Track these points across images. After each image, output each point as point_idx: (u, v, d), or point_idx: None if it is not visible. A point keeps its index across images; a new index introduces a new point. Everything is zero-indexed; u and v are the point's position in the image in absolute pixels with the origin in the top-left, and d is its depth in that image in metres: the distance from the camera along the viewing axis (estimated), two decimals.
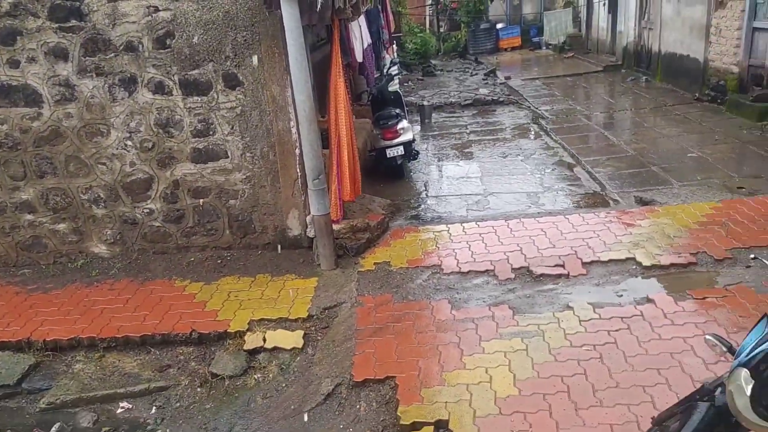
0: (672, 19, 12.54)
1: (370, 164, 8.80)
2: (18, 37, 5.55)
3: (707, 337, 2.75)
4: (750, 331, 2.61)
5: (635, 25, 14.59)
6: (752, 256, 2.98)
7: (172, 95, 5.67)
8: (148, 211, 6.07)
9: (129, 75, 5.64)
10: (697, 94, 11.33)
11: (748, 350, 2.52)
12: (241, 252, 6.10)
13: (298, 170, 5.77)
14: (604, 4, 16.53)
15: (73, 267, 6.17)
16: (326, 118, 6.25)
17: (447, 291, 5.12)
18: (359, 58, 7.70)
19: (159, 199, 6.02)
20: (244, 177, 5.89)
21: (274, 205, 5.97)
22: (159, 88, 5.66)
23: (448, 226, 6.49)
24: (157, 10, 5.43)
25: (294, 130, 5.63)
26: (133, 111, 5.75)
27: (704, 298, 4.55)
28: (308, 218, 5.86)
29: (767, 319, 2.56)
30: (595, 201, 7.12)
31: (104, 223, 6.12)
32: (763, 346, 2.46)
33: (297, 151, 5.70)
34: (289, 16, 4.90)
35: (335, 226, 5.84)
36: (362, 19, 7.94)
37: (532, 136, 10.37)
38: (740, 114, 9.68)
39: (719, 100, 10.56)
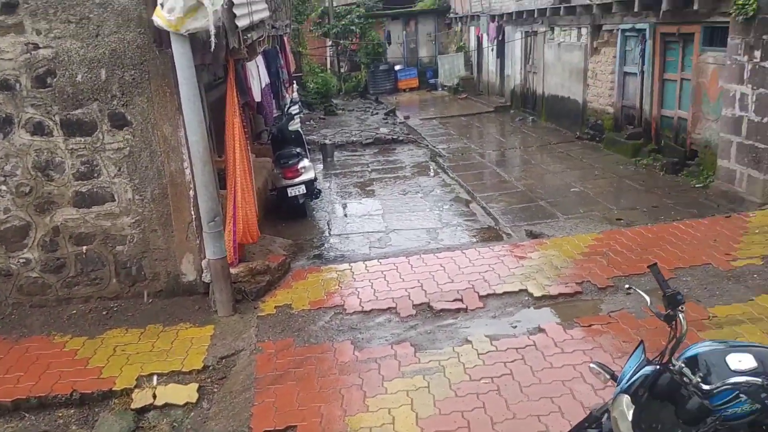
0: (553, 64, 13.59)
1: (271, 204, 8.68)
2: None
3: (591, 365, 2.89)
4: (629, 358, 2.78)
5: (521, 69, 15.66)
6: (627, 286, 3.19)
7: (52, 136, 5.31)
8: (24, 261, 5.58)
9: (4, 115, 5.24)
10: (578, 133, 12.27)
11: (627, 377, 2.67)
12: (129, 302, 5.73)
13: (192, 213, 5.55)
14: (493, 50, 17.63)
15: None
16: (223, 158, 6.11)
17: (350, 331, 5.07)
18: (257, 97, 7.64)
19: (36, 248, 5.55)
20: (133, 221, 5.58)
21: (167, 250, 5.68)
22: (38, 129, 5.29)
23: (351, 264, 6.48)
24: (37, 47, 5.11)
25: (188, 171, 5.44)
26: (8, 153, 5.33)
27: (590, 326, 4.82)
28: (204, 263, 5.62)
29: (643, 346, 2.74)
30: (490, 235, 7.42)
31: None
32: (641, 372, 2.63)
33: (191, 192, 5.49)
34: (181, 56, 4.79)
35: (233, 270, 5.65)
36: (260, 59, 7.92)
37: (430, 174, 10.71)
38: (616, 151, 10.57)
39: (597, 138, 11.48)
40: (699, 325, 4.67)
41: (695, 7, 8.14)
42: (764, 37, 6.92)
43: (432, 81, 21.93)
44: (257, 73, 7.70)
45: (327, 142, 12.90)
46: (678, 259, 5.88)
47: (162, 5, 4.57)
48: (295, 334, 5.06)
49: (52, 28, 5.11)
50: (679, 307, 2.61)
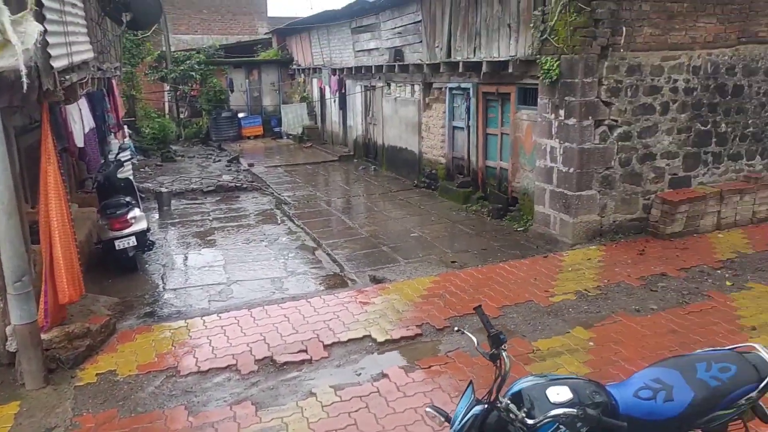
0: (391, 116, 14.34)
1: (96, 258, 7.90)
2: None
3: (427, 409, 2.95)
4: (460, 398, 2.87)
5: (362, 121, 16.30)
6: (456, 328, 3.33)
7: None
8: None
9: None
10: (415, 181, 12.95)
11: (459, 418, 2.75)
12: None
13: None
14: (335, 101, 18.19)
15: None
16: (36, 209, 5.44)
17: (184, 395, 4.68)
18: (79, 143, 7.04)
19: None
20: None
21: None
22: None
23: (187, 321, 6.08)
24: None
25: None
26: None
27: (430, 367, 4.97)
28: (8, 329, 4.89)
29: (472, 386, 2.85)
30: (335, 282, 7.43)
31: None
32: (471, 412, 2.73)
33: None
34: None
35: (45, 335, 4.99)
36: (83, 102, 7.34)
37: (276, 222, 10.55)
38: (450, 198, 11.31)
39: (433, 187, 12.21)
40: (525, 358, 5.04)
41: (510, 70, 9.13)
42: (566, 98, 7.93)
43: (277, 129, 21.95)
44: (79, 117, 7.12)
45: (163, 189, 12.19)
46: (505, 298, 6.34)
47: None
48: (120, 404, 4.55)
49: None
50: (502, 346, 2.77)
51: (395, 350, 5.34)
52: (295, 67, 22.27)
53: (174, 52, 21.79)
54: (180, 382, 4.87)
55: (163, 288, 7.35)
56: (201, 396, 4.67)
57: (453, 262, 7.81)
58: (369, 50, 15.14)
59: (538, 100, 8.59)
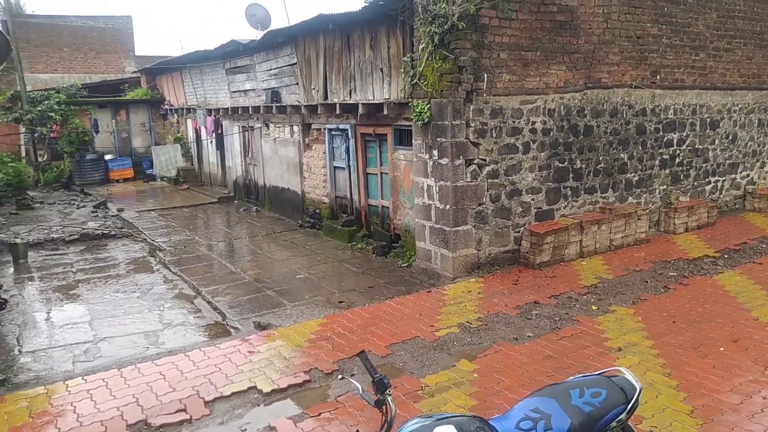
0: (271, 157, 14.19)
1: None
2: None
3: None
4: None
5: (241, 162, 15.97)
6: (340, 377, 3.29)
7: None
8: None
9: None
10: (300, 221, 12.84)
11: None
12: None
13: None
14: (212, 142, 17.69)
15: None
16: None
17: None
18: None
19: None
20: None
21: None
22: None
23: (48, 387, 5.46)
24: None
25: None
26: None
27: (320, 414, 4.84)
28: None
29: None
30: (217, 331, 7.08)
31: None
32: None
33: None
34: None
35: None
36: None
37: (149, 270, 9.91)
38: (334, 237, 11.31)
39: (317, 226, 12.17)
40: (414, 396, 5.07)
41: (385, 112, 9.44)
42: (438, 139, 8.33)
43: (149, 171, 20.85)
44: None
45: (18, 240, 11.03)
46: (392, 335, 6.39)
47: None
48: None
49: None
50: (387, 391, 2.76)
51: (283, 400, 5.15)
52: (167, 107, 21.42)
53: (30, 92, 20.13)
54: None
55: (19, 351, 6.57)
56: None
57: (340, 302, 7.77)
58: (245, 91, 14.98)
59: (413, 140, 8.93)
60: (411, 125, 8.97)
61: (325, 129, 11.77)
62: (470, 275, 8.39)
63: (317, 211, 12.41)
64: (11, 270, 9.97)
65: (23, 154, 21.30)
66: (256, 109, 14.05)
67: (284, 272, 9.39)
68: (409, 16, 8.59)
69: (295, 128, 12.89)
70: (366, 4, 9.14)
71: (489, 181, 8.54)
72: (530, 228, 8.86)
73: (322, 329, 6.64)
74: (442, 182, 8.37)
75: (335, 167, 11.79)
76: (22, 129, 20.24)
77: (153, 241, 11.91)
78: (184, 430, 4.69)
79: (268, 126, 14.15)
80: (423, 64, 8.34)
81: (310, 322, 6.94)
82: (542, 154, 9.07)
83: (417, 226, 9.05)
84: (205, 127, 17.74)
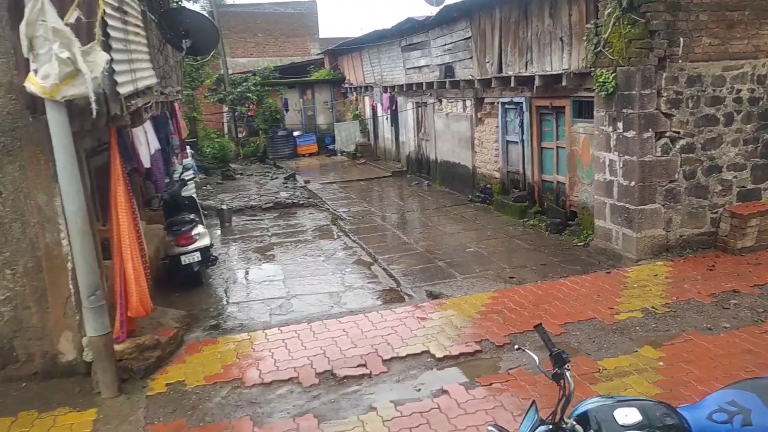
0: (443, 132, 14.36)
1: (163, 273, 8.22)
2: None
3: (489, 427, 2.92)
4: (523, 419, 2.83)
5: (414, 137, 16.38)
6: (516, 347, 3.29)
7: None
8: None
9: None
10: (470, 196, 12.89)
11: None
12: None
13: (71, 287, 5.12)
14: (387, 118, 18.38)
15: None
16: (108, 227, 5.74)
17: (249, 406, 4.80)
18: (146, 163, 7.36)
19: None
20: (3, 298, 5.05)
21: (42, 328, 5.17)
22: None
23: (250, 334, 6.23)
24: None
25: (65, 242, 5.05)
26: None
27: (491, 384, 4.91)
28: (84, 340, 5.15)
29: (536, 406, 2.81)
30: (392, 297, 7.46)
31: None
32: None
33: (69, 265, 5.08)
34: (56, 123, 4.52)
35: (118, 347, 5.22)
36: (148, 125, 7.70)
37: (332, 237, 10.71)
38: (505, 212, 11.19)
39: (488, 201, 12.11)
40: (591, 378, 4.91)
41: (563, 84, 9.01)
42: (624, 110, 7.76)
43: (331, 146, 22.34)
44: (145, 140, 7.46)
45: (224, 207, 12.58)
46: (566, 315, 6.20)
47: (36, 72, 4.32)
48: (189, 414, 4.71)
49: None
50: (566, 365, 2.71)
51: (454, 366, 5.31)
52: (347, 85, 22.67)
53: (231, 74, 22.59)
54: (245, 393, 5.00)
55: (227, 302, 7.57)
56: (265, 407, 4.77)
57: (511, 277, 7.71)
58: (419, 67, 15.26)
59: (595, 112, 8.43)
60: (592, 96, 8.47)
61: (498, 103, 11.59)
62: (656, 258, 7.77)
63: (488, 185, 12.33)
64: (218, 232, 11.41)
65: (226, 131, 24.09)
66: (430, 84, 14.27)
67: (454, 245, 9.54)
68: None
69: (468, 103, 12.87)
70: None
71: (683, 156, 7.78)
72: (731, 209, 7.92)
73: (492, 302, 6.67)
74: (626, 157, 7.82)
75: (508, 141, 11.58)
76: (225, 108, 22.87)
77: (335, 210, 12.81)
78: (365, 383, 5.06)
79: (440, 101, 14.31)
80: (608, 31, 7.80)
81: (480, 294, 7.00)
82: (748, 126, 8.01)
83: (596, 203, 8.58)
84: (381, 104, 18.47)
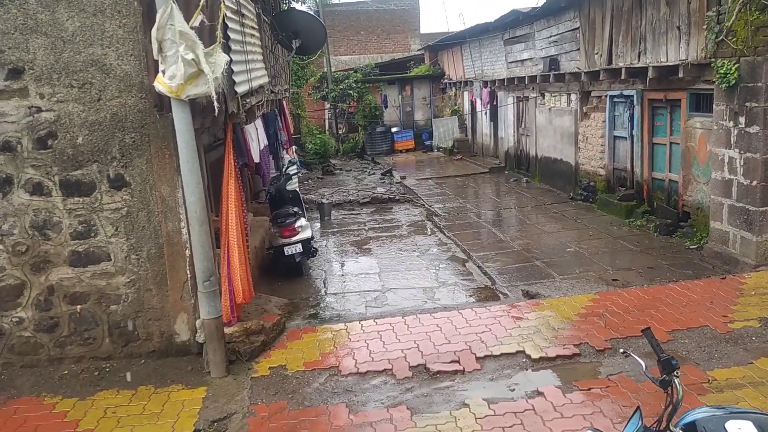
0: (545, 127, 13.94)
1: (268, 262, 8.67)
2: None
3: (587, 431, 2.84)
4: (626, 424, 2.73)
5: (514, 132, 16.03)
6: (622, 350, 3.17)
7: (51, 196, 5.38)
8: (17, 320, 5.52)
9: (4, 176, 5.32)
10: (571, 194, 12.44)
11: None
12: (122, 362, 5.64)
13: (188, 272, 5.56)
14: (486, 114, 18.12)
15: None
16: (220, 218, 6.16)
17: (345, 394, 4.98)
18: (256, 158, 7.78)
19: (30, 307, 5.51)
20: (128, 280, 5.57)
21: (161, 310, 5.65)
22: (37, 189, 5.37)
23: (347, 324, 6.43)
24: (39, 110, 5.25)
25: (184, 231, 5.48)
26: (6, 213, 5.38)
27: (589, 389, 4.75)
28: (198, 322, 5.57)
29: (640, 412, 2.70)
30: (487, 295, 7.40)
31: None
32: None
33: (187, 252, 5.51)
34: (181, 120, 4.91)
35: (227, 330, 5.60)
36: (259, 122, 8.13)
37: (427, 233, 10.77)
38: (609, 212, 10.69)
39: (591, 199, 11.63)
40: (699, 388, 4.62)
41: (680, 75, 8.45)
42: (747, 104, 7.16)
43: (428, 143, 22.39)
44: (256, 136, 7.88)
45: (324, 201, 13.03)
46: (675, 321, 5.85)
47: (164, 72, 4.72)
48: (289, 397, 4.96)
49: (56, 92, 5.25)
50: (674, 372, 2.59)
51: (550, 369, 5.19)
52: (446, 81, 22.59)
53: (334, 72, 23.25)
54: (341, 381, 5.18)
55: (325, 292, 7.86)
56: (360, 396, 4.92)
57: (614, 280, 7.38)
58: (522, 61, 14.90)
59: (714, 106, 7.84)
60: (711, 89, 7.89)
61: (606, 96, 11.08)
62: None
63: (591, 183, 11.83)
64: (318, 225, 11.84)
65: (327, 127, 24.84)
66: (532, 78, 13.90)
67: (553, 244, 9.26)
68: None
69: (573, 96, 12.40)
70: None
71: None
72: None
73: (593, 305, 6.43)
74: (748, 154, 7.22)
75: (615, 137, 11.05)
76: (327, 105, 23.58)
77: (430, 206, 12.85)
78: (458, 380, 5.08)
79: (543, 95, 13.90)
80: (733, 18, 7.21)
81: (580, 296, 6.77)
82: None
83: (712, 203, 7.99)
84: (480, 99, 18.24)
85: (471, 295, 7.44)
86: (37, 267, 5.47)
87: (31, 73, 5.22)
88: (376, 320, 6.46)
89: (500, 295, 7.32)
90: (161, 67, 4.73)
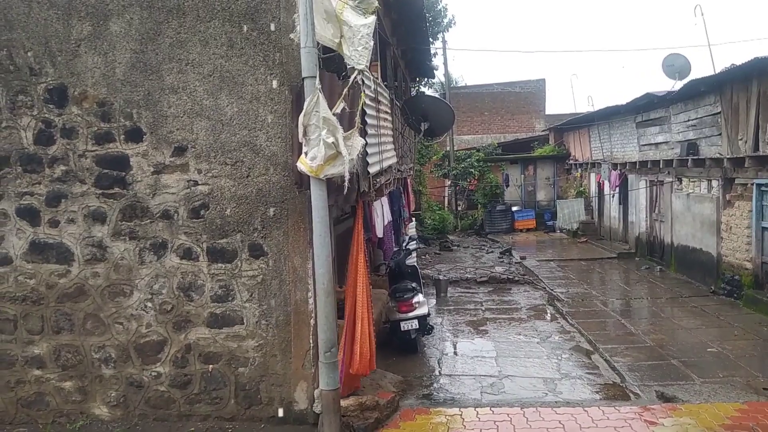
0: (682, 213, 13.07)
1: (383, 337, 8.73)
2: (62, 200, 5.97)
3: None
4: None
5: (646, 217, 15.18)
6: None
7: (198, 261, 5.90)
8: (155, 374, 5.98)
9: (161, 240, 5.94)
10: (712, 287, 11.39)
11: None
12: (244, 424, 5.86)
13: (311, 341, 5.76)
14: (614, 196, 17.41)
15: (71, 429, 5.94)
16: (343, 289, 6.37)
17: None
18: (380, 233, 8.07)
19: (169, 363, 5.96)
20: (257, 344, 5.87)
21: (283, 376, 5.85)
22: (187, 254, 5.92)
23: (461, 410, 6.24)
24: (196, 183, 5.88)
25: (311, 301, 5.73)
26: (158, 274, 5.96)
27: None
28: (316, 392, 5.69)
29: None
30: (615, 393, 6.85)
31: (110, 384, 6.01)
32: None
33: (312, 321, 5.73)
34: (317, 197, 5.26)
35: (343, 403, 5.64)
36: (384, 198, 8.47)
37: (547, 318, 10.31)
38: (758, 310, 9.62)
39: (735, 295, 10.56)
40: None
41: None
42: None
43: (550, 223, 21.84)
44: (381, 212, 8.20)
45: (441, 277, 13.00)
46: None
47: (306, 153, 5.14)
48: None
49: (211, 168, 5.87)
50: None
51: None
52: (571, 162, 22.18)
53: (456, 151, 23.74)
54: None
55: (439, 372, 7.71)
56: None
57: (765, 389, 6.53)
58: (656, 144, 14.30)
59: None
60: None
61: (752, 184, 10.24)
62: None
63: (736, 277, 10.78)
64: (434, 301, 11.78)
65: (446, 203, 25.16)
66: (668, 162, 13.24)
67: (692, 342, 8.45)
68: None
69: (714, 183, 11.60)
70: None
71: None
72: None
73: (741, 416, 5.72)
74: None
75: (763, 228, 10.09)
76: (448, 182, 23.99)
77: (551, 290, 12.35)
78: None
79: (680, 180, 13.14)
80: None
81: (725, 404, 6.06)
82: None
83: None
84: (609, 181, 17.61)
85: (597, 392, 6.92)
86: (179, 326, 5.95)
87: (193, 151, 5.89)
88: (492, 408, 6.20)
89: (631, 394, 6.74)
90: (304, 149, 5.15)
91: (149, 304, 5.98)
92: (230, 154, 5.84)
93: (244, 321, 5.88)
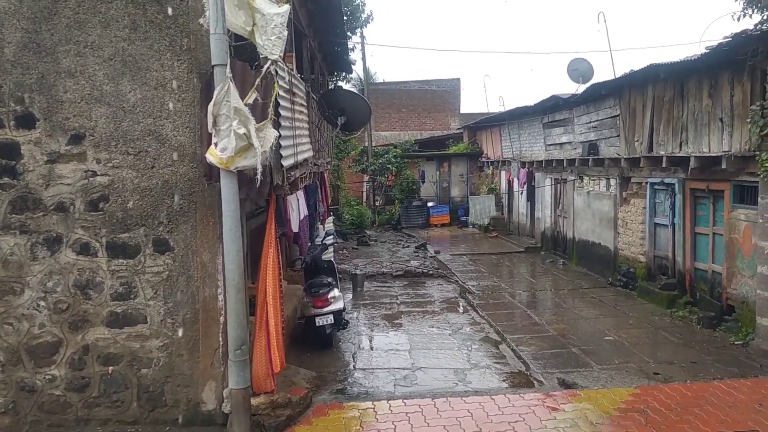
0: (583, 210, 13.86)
1: (298, 332, 8.63)
2: None
3: None
4: None
5: (551, 213, 15.97)
6: None
7: (96, 257, 5.56)
8: (50, 377, 5.58)
9: (55, 235, 5.54)
10: (609, 279, 12.16)
11: None
12: (147, 428, 5.58)
13: (220, 339, 5.57)
14: (522, 193, 18.18)
15: None
16: (255, 285, 6.21)
17: None
18: (295, 228, 7.94)
19: (64, 365, 5.57)
20: (162, 344, 5.61)
21: (190, 376, 5.63)
22: (84, 249, 5.56)
23: (374, 403, 6.27)
24: (95, 174, 5.52)
25: (221, 297, 5.55)
26: (52, 271, 5.56)
27: None
28: (225, 392, 5.52)
29: None
30: (521, 381, 7.15)
31: None
32: None
33: (222, 319, 5.55)
34: (228, 190, 5.09)
35: (253, 401, 5.51)
36: (300, 193, 8.35)
37: (459, 311, 10.60)
38: (650, 300, 10.37)
39: (630, 286, 11.33)
40: None
41: (723, 166, 8.38)
42: None
43: (463, 218, 22.49)
44: (297, 206, 8.07)
45: (358, 272, 13.03)
46: (721, 423, 5.52)
47: (216, 144, 4.96)
48: None
49: (112, 158, 5.53)
50: None
51: None
52: (483, 159, 22.91)
53: (374, 147, 23.87)
54: None
55: (354, 367, 7.72)
56: None
57: (656, 373, 7.06)
58: (561, 144, 15.06)
59: (759, 199, 7.72)
60: (756, 181, 7.78)
61: (646, 183, 11.02)
62: None
63: (631, 269, 11.57)
64: (350, 296, 11.79)
65: (364, 199, 25.26)
66: (571, 161, 13.98)
67: (591, 331, 8.98)
68: (762, 60, 7.55)
69: (612, 181, 12.38)
70: (706, 51, 8.36)
71: None
72: None
73: (634, 400, 6.13)
74: None
75: (656, 224, 10.89)
76: (366, 178, 24.09)
77: (464, 283, 12.71)
78: None
79: (582, 178, 13.92)
80: None
81: (620, 389, 6.48)
82: None
83: (759, 298, 7.69)
84: (518, 179, 18.36)
85: (504, 380, 7.20)
86: (75, 326, 5.58)
87: (91, 139, 5.52)
88: (404, 401, 6.28)
89: (534, 382, 7.07)
90: (214, 140, 4.96)
91: (42, 303, 5.56)
92: (133, 143, 5.53)
93: (148, 320, 5.59)
